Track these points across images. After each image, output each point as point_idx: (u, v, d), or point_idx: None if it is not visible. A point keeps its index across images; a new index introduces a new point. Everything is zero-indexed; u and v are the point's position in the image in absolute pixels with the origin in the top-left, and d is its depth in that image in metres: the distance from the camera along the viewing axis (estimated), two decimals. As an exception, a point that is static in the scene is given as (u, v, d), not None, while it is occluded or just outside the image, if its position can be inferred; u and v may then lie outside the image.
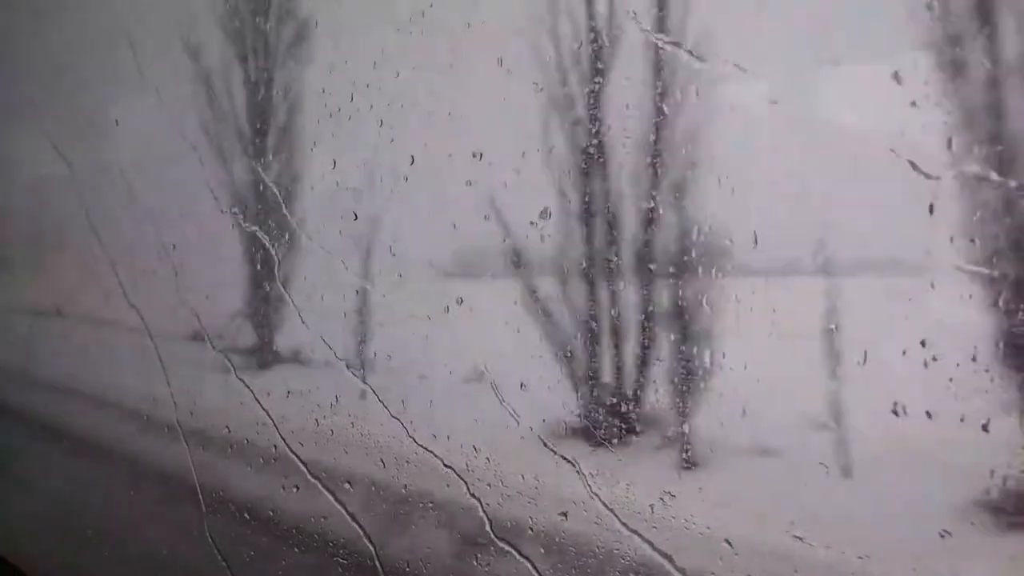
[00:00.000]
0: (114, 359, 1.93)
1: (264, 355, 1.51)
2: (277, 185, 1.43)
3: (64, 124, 2.09)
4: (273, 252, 1.43)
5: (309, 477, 1.38)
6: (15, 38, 2.31)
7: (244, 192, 1.52)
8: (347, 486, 1.31)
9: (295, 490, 1.40)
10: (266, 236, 1.46)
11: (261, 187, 1.47)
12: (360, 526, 1.29)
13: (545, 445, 1.03)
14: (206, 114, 1.61)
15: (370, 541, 1.27)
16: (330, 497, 1.34)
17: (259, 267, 1.47)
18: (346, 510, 1.31)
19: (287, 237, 1.42)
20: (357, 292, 1.29)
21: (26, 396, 2.34)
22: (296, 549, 1.40)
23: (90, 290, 1.96)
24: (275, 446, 1.44)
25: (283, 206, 1.41)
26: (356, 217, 1.29)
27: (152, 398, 1.75)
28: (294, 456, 1.41)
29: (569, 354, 1.03)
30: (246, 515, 1.51)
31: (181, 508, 1.65)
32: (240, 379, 1.54)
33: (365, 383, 1.28)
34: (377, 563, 1.25)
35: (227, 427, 1.55)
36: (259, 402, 1.48)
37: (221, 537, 1.57)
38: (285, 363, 1.46)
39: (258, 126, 1.51)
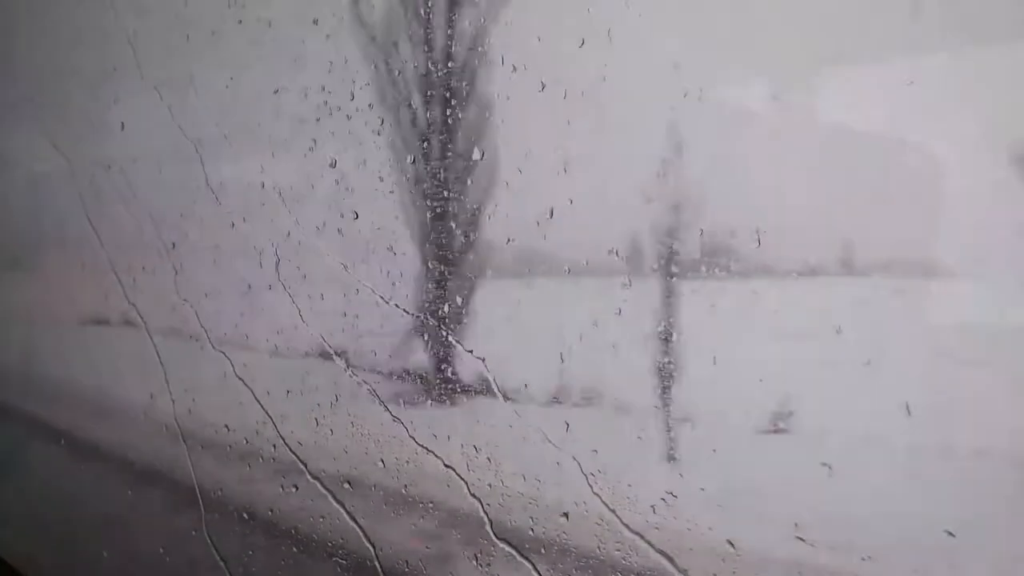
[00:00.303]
0: (114, 358, 1.92)
1: (437, 385, 1.19)
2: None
3: (63, 122, 2.08)
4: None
5: (308, 477, 1.37)
6: (14, 36, 2.30)
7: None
8: (346, 486, 1.31)
9: (294, 489, 1.40)
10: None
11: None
12: (359, 526, 1.28)
13: None
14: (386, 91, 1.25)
15: (369, 541, 1.26)
16: (329, 497, 1.33)
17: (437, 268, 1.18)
18: (345, 510, 1.31)
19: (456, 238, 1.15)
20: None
21: (25, 396, 2.33)
22: (295, 549, 1.39)
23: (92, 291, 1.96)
24: (274, 445, 1.44)
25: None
26: (356, 216, 1.29)
27: (150, 395, 1.75)
28: (294, 455, 1.40)
29: None
30: (245, 515, 1.50)
31: (180, 507, 1.65)
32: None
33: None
34: (377, 563, 1.25)
35: (226, 426, 1.55)
36: (259, 401, 1.48)
37: (219, 536, 1.56)
38: (472, 396, 1.14)
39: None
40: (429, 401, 1.19)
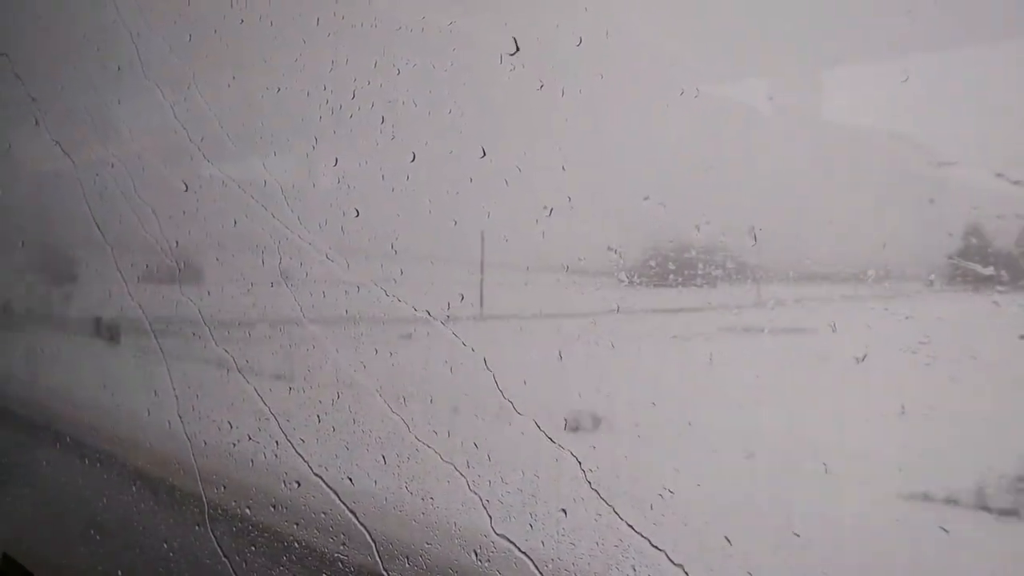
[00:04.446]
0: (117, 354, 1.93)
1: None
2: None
3: (67, 122, 2.09)
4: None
5: (311, 473, 1.38)
6: (17, 36, 2.31)
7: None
8: (348, 482, 1.32)
9: (296, 486, 1.41)
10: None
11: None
12: (360, 522, 1.29)
13: None
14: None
15: (371, 537, 1.27)
16: (331, 493, 1.34)
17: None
18: (347, 506, 1.32)
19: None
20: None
21: (30, 396, 2.35)
22: (297, 545, 1.40)
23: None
24: (277, 442, 1.45)
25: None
26: (357, 213, 1.30)
27: (154, 392, 1.76)
28: (296, 452, 1.41)
29: None
30: (247, 510, 1.51)
31: (183, 503, 1.66)
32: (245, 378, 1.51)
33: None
34: (378, 559, 1.26)
35: (229, 423, 1.56)
36: (261, 398, 1.49)
37: (222, 532, 1.57)
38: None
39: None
40: (430, 398, 1.20)
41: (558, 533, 1.03)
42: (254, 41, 1.50)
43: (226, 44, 1.56)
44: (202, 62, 1.62)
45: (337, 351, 1.34)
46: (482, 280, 1.13)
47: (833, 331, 0.80)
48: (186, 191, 1.65)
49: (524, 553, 1.07)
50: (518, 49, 1.01)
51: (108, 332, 1.44)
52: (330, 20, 1.34)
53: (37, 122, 2.20)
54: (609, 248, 0.98)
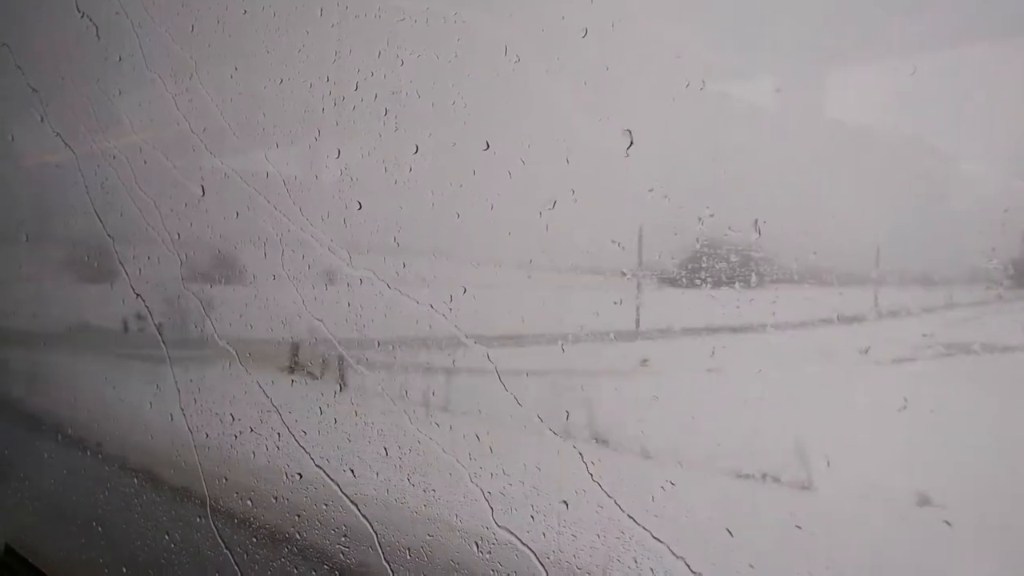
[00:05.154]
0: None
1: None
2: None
3: (69, 113, 2.09)
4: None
5: (312, 465, 1.38)
6: (19, 27, 2.31)
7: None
8: (350, 473, 1.32)
9: (298, 477, 1.41)
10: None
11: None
12: (362, 514, 1.29)
13: None
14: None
15: (372, 528, 1.27)
16: (333, 485, 1.34)
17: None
18: (348, 498, 1.32)
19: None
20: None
21: (31, 388, 2.35)
22: (299, 536, 1.40)
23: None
24: (279, 434, 1.45)
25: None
26: (360, 206, 1.30)
27: (156, 385, 1.76)
28: (297, 444, 1.41)
29: None
30: (249, 502, 1.51)
31: (186, 495, 1.66)
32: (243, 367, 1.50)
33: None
34: (379, 550, 1.26)
35: (231, 415, 1.56)
36: (263, 391, 1.49)
37: (224, 524, 1.58)
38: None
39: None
40: (432, 391, 1.20)
41: (560, 525, 1.03)
42: (257, 32, 1.49)
43: (229, 35, 1.56)
44: (204, 53, 1.62)
45: (339, 344, 1.34)
46: (639, 284, 0.97)
47: (836, 325, 0.80)
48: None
49: (526, 545, 1.07)
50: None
51: (335, 376, 1.16)
52: (333, 10, 1.34)
53: (40, 115, 2.20)
54: (613, 241, 0.98)
